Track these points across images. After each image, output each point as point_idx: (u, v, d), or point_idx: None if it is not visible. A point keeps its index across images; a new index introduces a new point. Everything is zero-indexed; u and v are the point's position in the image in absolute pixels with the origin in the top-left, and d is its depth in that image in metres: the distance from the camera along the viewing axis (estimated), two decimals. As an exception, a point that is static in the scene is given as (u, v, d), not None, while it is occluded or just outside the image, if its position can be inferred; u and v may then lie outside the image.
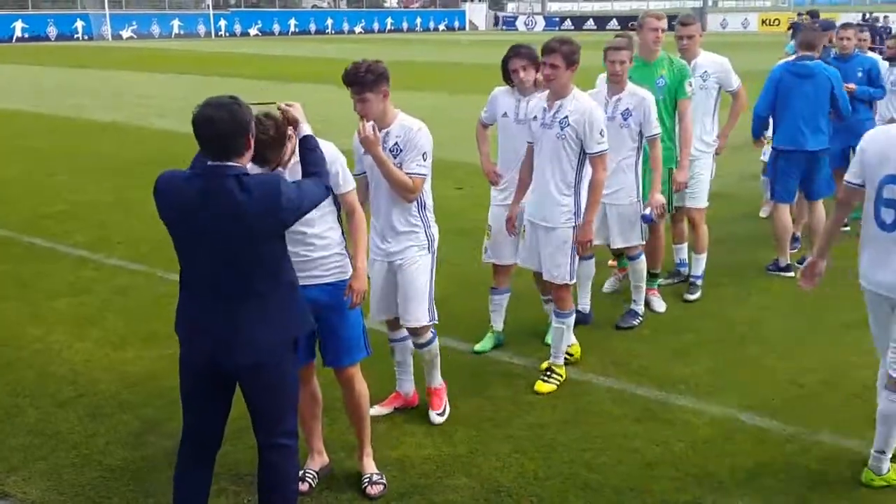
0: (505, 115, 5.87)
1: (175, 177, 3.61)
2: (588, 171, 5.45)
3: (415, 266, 4.86)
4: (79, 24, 50.26)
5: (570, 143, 5.34)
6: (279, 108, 3.99)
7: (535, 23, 66.46)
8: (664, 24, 6.76)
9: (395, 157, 4.68)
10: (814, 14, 17.09)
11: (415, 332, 5.03)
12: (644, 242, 6.55)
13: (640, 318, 6.67)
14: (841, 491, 4.46)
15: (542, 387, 5.53)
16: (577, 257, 5.50)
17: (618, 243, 6.54)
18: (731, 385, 5.67)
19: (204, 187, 3.47)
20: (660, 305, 7.01)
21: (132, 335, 6.52)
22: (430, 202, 4.90)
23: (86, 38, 49.96)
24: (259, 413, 3.74)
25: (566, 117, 5.32)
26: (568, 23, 63.85)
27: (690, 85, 6.73)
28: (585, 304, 6.60)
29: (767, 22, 56.49)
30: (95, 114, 18.88)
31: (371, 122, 4.60)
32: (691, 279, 7.35)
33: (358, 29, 63.81)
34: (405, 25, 67.15)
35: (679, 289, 7.44)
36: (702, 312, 7.02)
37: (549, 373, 5.61)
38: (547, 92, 5.48)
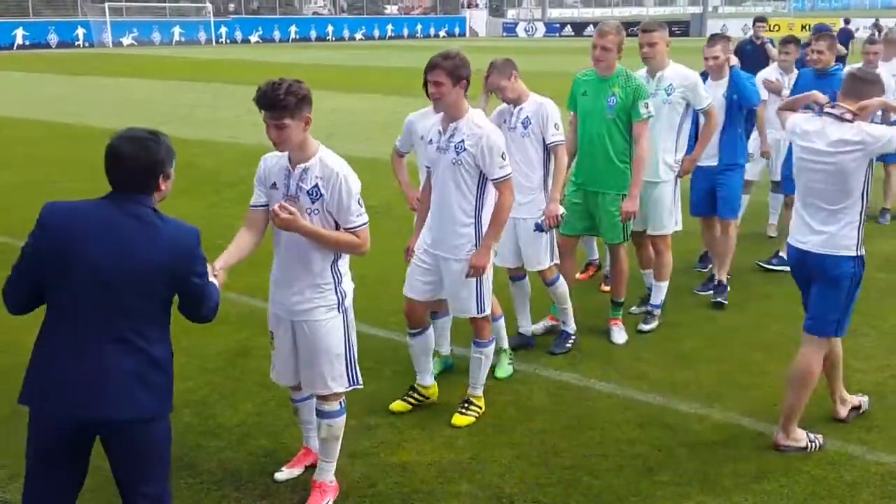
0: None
1: (66, 206, 3.24)
2: (490, 197, 4.98)
3: (321, 328, 4.18)
4: (79, 31, 50.31)
5: (468, 169, 4.88)
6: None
7: (536, 29, 66.57)
8: (612, 39, 6.02)
9: (312, 203, 4.01)
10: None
11: (321, 398, 4.36)
12: (555, 263, 6.08)
13: (574, 339, 6.28)
14: (843, 496, 4.45)
15: (459, 420, 5.17)
16: (483, 286, 5.06)
17: (532, 265, 6.03)
18: (732, 390, 5.66)
19: (105, 217, 3.16)
20: (620, 337, 6.45)
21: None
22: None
23: (86, 45, 50.00)
24: (120, 476, 3.40)
25: (462, 141, 4.85)
26: (568, 29, 64.00)
27: (647, 106, 6.06)
28: (527, 328, 6.34)
29: (768, 28, 56.46)
30: (96, 121, 18.89)
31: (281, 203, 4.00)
32: (649, 307, 6.82)
33: (359, 35, 63.88)
34: (406, 32, 67.22)
35: (677, 293, 7.43)
36: (703, 318, 7.02)
37: (466, 405, 5.26)
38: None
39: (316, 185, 4.01)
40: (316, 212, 4.03)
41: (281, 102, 3.87)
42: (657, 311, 6.81)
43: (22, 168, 13.64)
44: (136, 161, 3.17)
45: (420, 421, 5.26)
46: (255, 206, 4.22)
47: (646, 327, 6.71)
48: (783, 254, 7.94)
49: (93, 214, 3.20)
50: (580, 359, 6.16)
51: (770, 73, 8.93)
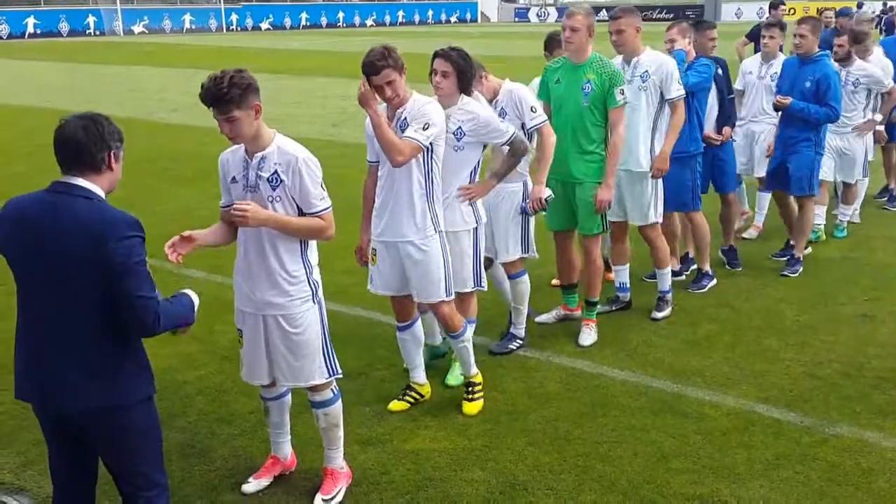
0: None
1: (24, 197, 3.24)
2: (438, 177, 4.93)
3: (298, 320, 4.12)
4: (90, 19, 50.36)
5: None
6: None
7: (548, 14, 66.24)
8: (579, 20, 5.84)
9: (273, 190, 3.92)
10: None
11: (311, 389, 4.30)
12: (528, 255, 5.96)
13: (520, 342, 6.09)
14: (859, 482, 4.42)
15: (469, 408, 5.16)
16: (447, 268, 4.99)
17: (500, 254, 5.90)
18: (747, 377, 5.63)
19: (50, 203, 3.14)
20: (588, 339, 6.18)
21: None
22: (313, 243, 4.17)
23: (97, 33, 50.07)
24: (108, 466, 3.44)
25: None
26: (580, 13, 63.62)
27: (623, 93, 5.88)
28: (521, 329, 6.13)
29: (783, 11, 55.97)
30: (107, 109, 18.82)
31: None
32: (659, 294, 6.71)
33: (370, 22, 63.73)
34: (417, 18, 67.00)
35: (686, 281, 7.40)
36: (717, 304, 6.98)
37: (469, 389, 5.24)
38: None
39: (275, 172, 3.91)
40: (278, 199, 3.94)
41: (225, 96, 3.75)
42: (668, 296, 6.72)
43: (34, 157, 13.67)
44: (79, 133, 3.17)
45: (432, 408, 5.25)
46: (224, 207, 4.15)
47: (658, 314, 6.64)
48: (794, 242, 7.88)
49: (42, 201, 3.20)
50: (593, 346, 6.14)
51: (752, 62, 8.44)
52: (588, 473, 4.53)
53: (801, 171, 7.49)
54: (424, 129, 4.63)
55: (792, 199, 7.79)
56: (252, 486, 4.43)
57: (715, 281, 7.34)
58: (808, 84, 7.35)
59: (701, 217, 7.21)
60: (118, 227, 3.11)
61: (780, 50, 8.31)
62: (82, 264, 3.10)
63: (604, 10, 63.32)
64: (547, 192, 5.72)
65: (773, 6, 12.56)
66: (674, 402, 5.29)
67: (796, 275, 7.55)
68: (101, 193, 3.22)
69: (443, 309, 5.06)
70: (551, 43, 6.98)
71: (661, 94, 6.33)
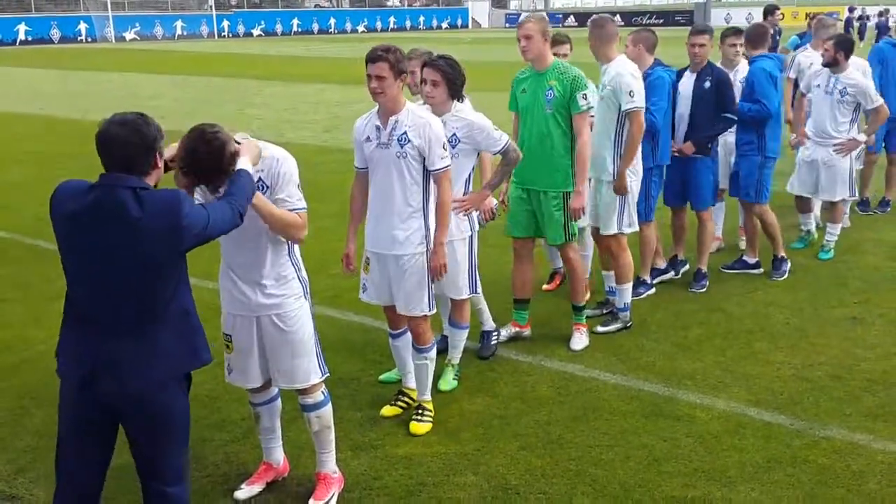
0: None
1: (75, 185, 3.29)
2: (434, 189, 4.89)
3: (293, 319, 4.15)
4: (82, 26, 50.35)
5: (412, 162, 4.77)
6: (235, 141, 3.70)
7: (538, 20, 66.32)
8: (530, 27, 5.79)
9: (262, 192, 3.93)
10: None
11: (303, 392, 4.30)
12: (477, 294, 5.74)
13: (496, 335, 6.11)
14: (850, 485, 4.44)
15: (417, 428, 5.02)
16: (432, 283, 4.97)
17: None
18: (738, 380, 5.65)
19: (97, 199, 3.19)
20: (579, 343, 6.15)
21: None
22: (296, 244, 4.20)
23: (89, 40, 50.06)
24: (141, 455, 3.45)
25: (405, 133, 4.75)
26: (571, 19, 63.82)
27: (585, 97, 5.80)
28: (489, 323, 6.11)
29: (779, 17, 56.01)
30: (99, 116, 18.75)
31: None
32: (615, 308, 6.59)
33: (361, 28, 63.83)
34: (408, 24, 67.13)
35: (684, 280, 7.43)
36: (708, 307, 7.00)
37: (420, 411, 5.12)
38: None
39: (260, 179, 3.92)
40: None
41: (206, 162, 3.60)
42: (622, 314, 6.52)
43: (26, 165, 13.66)
44: (128, 140, 3.21)
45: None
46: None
47: (601, 329, 6.44)
48: (747, 258, 7.83)
49: (90, 195, 3.24)
50: (585, 350, 6.15)
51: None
52: (580, 477, 4.54)
53: (748, 178, 7.50)
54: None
55: (757, 207, 7.59)
56: (244, 492, 4.41)
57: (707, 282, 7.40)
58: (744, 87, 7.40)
59: (648, 228, 7.08)
60: (176, 208, 3.20)
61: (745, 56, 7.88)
62: (142, 250, 3.19)
63: (594, 16, 63.70)
64: (495, 202, 5.76)
65: (767, 12, 12.47)
66: (665, 406, 5.30)
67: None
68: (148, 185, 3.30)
69: (420, 323, 5.03)
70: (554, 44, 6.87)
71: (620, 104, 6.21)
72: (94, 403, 3.31)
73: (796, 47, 11.67)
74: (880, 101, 8.00)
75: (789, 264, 7.72)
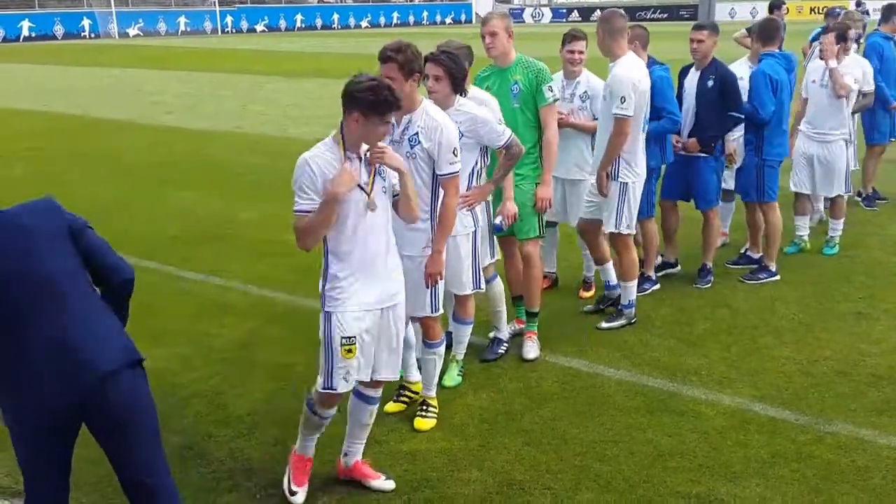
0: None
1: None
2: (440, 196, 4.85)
3: (402, 308, 4.37)
4: (85, 22, 50.32)
5: (422, 164, 4.75)
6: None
7: (542, 14, 66.28)
8: (495, 24, 5.80)
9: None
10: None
11: (376, 386, 4.45)
12: (496, 259, 5.82)
13: (506, 345, 6.04)
14: (855, 480, 4.44)
15: (421, 424, 5.05)
16: (438, 285, 4.92)
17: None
18: (743, 375, 5.65)
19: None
20: (531, 352, 5.97)
21: (141, 333, 6.50)
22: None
23: (93, 36, 50.03)
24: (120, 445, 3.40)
25: (416, 134, 4.74)
26: (575, 14, 63.65)
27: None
28: (504, 332, 6.07)
29: (785, 11, 55.82)
30: (103, 112, 18.90)
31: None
32: (620, 306, 6.56)
33: (364, 24, 63.73)
34: (412, 19, 67.04)
35: (689, 275, 7.42)
36: (712, 303, 6.99)
37: (424, 407, 5.14)
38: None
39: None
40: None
41: None
42: (626, 311, 6.50)
43: (28, 161, 13.67)
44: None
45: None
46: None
47: (605, 325, 6.45)
48: (751, 253, 7.83)
49: None
50: (589, 345, 6.15)
51: (740, 66, 7.85)
52: (585, 473, 4.54)
53: (746, 178, 7.48)
54: (455, 154, 4.70)
55: (763, 205, 7.54)
56: (300, 496, 4.37)
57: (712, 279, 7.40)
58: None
59: (650, 223, 7.10)
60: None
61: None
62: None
63: (598, 10, 63.56)
64: (515, 208, 5.72)
65: (773, 7, 12.36)
66: (670, 402, 5.30)
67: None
68: None
69: (426, 321, 5.06)
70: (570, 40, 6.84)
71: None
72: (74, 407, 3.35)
73: (814, 39, 11.61)
74: (869, 88, 8.46)
75: (766, 275, 7.48)
